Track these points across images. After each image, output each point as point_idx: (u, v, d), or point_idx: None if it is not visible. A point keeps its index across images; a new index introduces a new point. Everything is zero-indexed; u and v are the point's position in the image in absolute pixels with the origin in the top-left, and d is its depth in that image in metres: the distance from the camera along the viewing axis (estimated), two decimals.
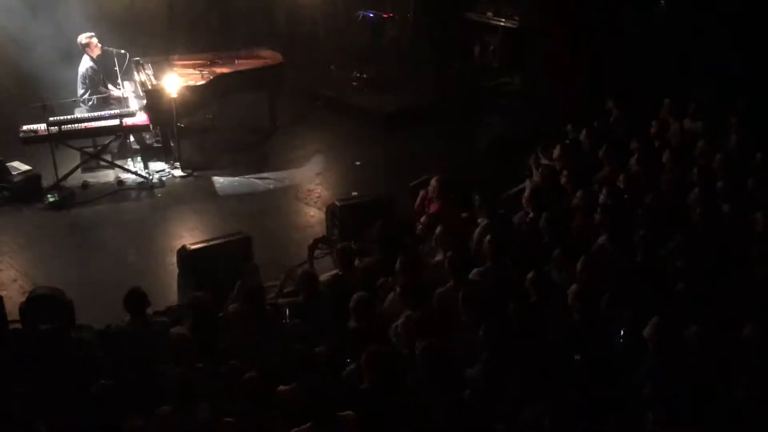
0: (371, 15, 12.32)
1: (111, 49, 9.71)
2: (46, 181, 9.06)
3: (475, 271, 5.93)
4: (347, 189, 9.31)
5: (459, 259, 5.83)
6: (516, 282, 5.69)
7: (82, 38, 9.54)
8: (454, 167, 9.03)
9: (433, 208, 7.36)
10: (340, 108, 11.79)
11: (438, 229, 6.27)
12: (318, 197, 9.29)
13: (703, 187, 6.73)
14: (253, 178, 9.72)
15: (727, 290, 5.44)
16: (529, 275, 5.50)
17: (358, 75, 12.23)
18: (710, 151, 7.53)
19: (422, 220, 6.91)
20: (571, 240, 6.28)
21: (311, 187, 9.57)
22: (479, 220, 6.86)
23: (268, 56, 10.96)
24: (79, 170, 9.43)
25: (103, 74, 9.76)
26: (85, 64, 9.55)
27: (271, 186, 9.60)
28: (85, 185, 9.34)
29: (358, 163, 10.17)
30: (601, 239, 6.19)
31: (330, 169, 10.08)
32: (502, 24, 12.27)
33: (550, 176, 7.50)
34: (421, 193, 7.70)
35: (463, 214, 7.32)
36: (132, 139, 9.89)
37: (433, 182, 7.52)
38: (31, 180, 9.05)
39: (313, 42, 12.95)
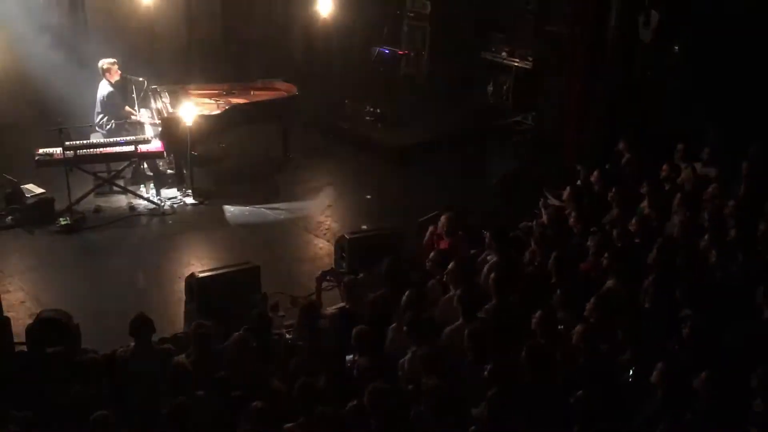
0: (386, 51, 12.44)
1: (129, 76, 9.84)
2: (60, 205, 9.11)
3: (484, 308, 5.89)
4: (357, 222, 9.31)
5: (469, 296, 5.79)
6: (521, 321, 5.66)
7: (104, 63, 9.66)
8: (464, 204, 9.03)
9: (443, 244, 7.34)
10: (353, 141, 11.85)
11: (450, 265, 6.25)
12: (327, 229, 9.30)
13: (714, 233, 6.70)
14: (264, 208, 9.75)
15: (736, 337, 5.39)
16: (537, 314, 5.47)
17: (372, 110, 12.31)
18: (722, 196, 7.50)
19: (431, 255, 6.89)
20: (578, 282, 6.25)
21: (321, 219, 9.59)
22: (488, 257, 6.84)
23: (283, 88, 11.05)
24: (92, 195, 9.49)
25: (121, 99, 9.87)
26: (104, 89, 9.65)
27: (281, 216, 9.63)
28: (98, 210, 9.39)
29: (368, 196, 10.20)
30: (610, 282, 6.16)
31: (340, 202, 10.11)
32: (516, 64, 12.37)
33: (559, 217, 7.49)
34: (430, 228, 7.68)
35: (472, 251, 7.31)
36: (146, 165, 9.96)
37: (442, 219, 7.51)
38: (44, 203, 9.09)
39: (328, 76, 13.07)
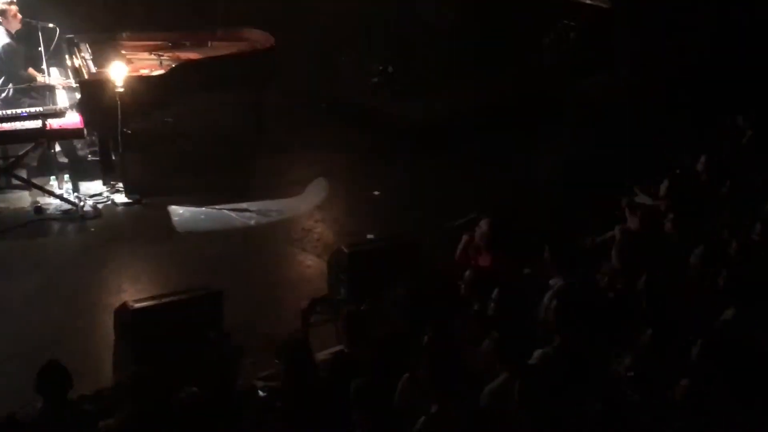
0: None
1: (35, 22, 9.83)
2: None
3: (538, 352, 5.86)
4: (359, 230, 9.36)
5: (509, 338, 5.75)
6: (595, 369, 5.62)
7: None
8: (512, 203, 9.00)
9: (483, 261, 7.34)
10: (353, 115, 11.86)
11: (495, 293, 6.23)
12: (318, 240, 9.33)
13: None
14: (228, 209, 9.78)
15: None
16: (626, 361, 5.42)
17: (380, 69, 12.32)
18: None
19: (466, 276, 6.87)
20: (680, 313, 6.21)
21: (309, 224, 9.62)
22: (551, 281, 6.81)
23: (255, 38, 11.10)
24: None
25: (23, 54, 9.88)
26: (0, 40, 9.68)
27: (253, 222, 9.66)
28: None
29: (376, 193, 10.24)
30: (727, 314, 6.11)
31: (336, 201, 10.16)
32: (587, 3, 12.35)
33: (651, 221, 7.48)
34: (465, 238, 7.70)
35: (525, 271, 7.28)
36: (58, 149, 9.96)
37: (482, 225, 7.51)
38: None
39: (317, 21, 13.06)
